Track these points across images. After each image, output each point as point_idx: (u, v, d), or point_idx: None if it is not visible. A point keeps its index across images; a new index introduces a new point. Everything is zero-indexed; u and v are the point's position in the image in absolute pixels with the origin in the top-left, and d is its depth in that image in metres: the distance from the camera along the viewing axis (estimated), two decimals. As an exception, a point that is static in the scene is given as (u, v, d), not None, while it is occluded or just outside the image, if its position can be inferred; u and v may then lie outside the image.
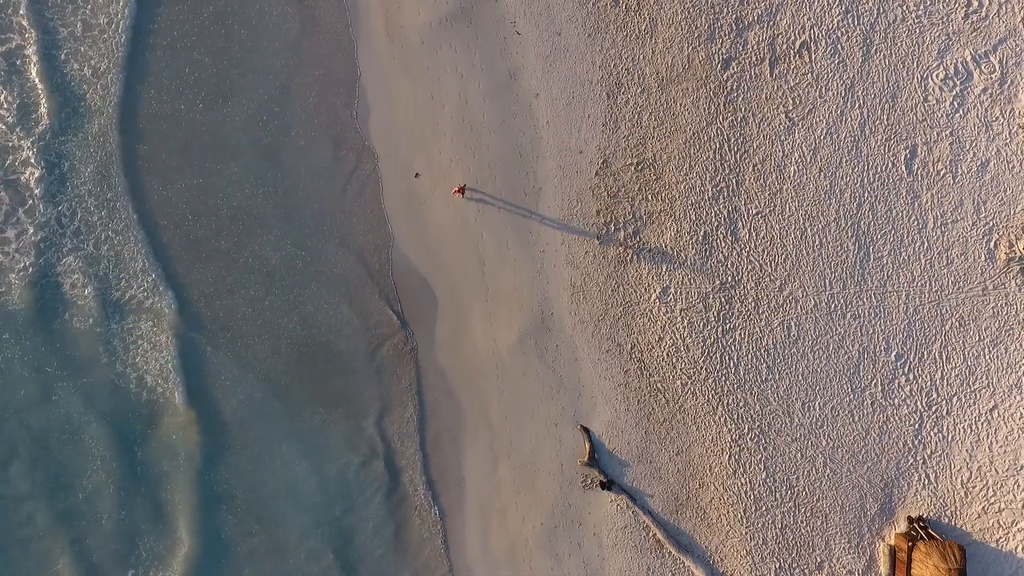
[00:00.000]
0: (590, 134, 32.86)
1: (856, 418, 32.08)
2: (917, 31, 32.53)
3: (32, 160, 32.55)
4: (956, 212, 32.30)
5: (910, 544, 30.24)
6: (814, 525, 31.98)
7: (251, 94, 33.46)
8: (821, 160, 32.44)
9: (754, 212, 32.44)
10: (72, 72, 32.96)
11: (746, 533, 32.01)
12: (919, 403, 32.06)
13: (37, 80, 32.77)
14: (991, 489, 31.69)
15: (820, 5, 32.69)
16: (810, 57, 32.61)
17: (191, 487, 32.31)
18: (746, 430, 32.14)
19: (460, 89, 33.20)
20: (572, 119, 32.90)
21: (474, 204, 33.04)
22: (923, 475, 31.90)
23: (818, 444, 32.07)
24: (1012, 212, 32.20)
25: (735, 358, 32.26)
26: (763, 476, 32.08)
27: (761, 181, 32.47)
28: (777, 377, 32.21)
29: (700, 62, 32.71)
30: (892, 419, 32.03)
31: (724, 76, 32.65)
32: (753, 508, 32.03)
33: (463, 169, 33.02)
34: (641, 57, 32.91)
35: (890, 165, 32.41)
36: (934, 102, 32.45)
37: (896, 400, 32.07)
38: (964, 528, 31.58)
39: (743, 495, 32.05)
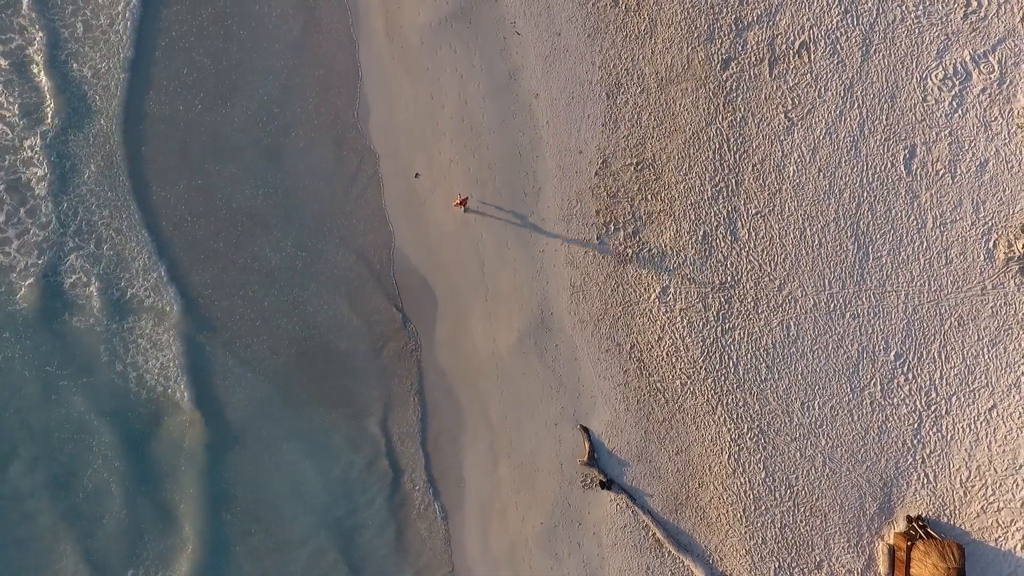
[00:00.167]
0: (590, 134, 32.91)
1: (855, 418, 32.11)
2: (916, 31, 32.57)
3: (34, 160, 32.66)
4: (955, 212, 32.33)
5: (909, 543, 30.27)
6: (813, 524, 32.02)
7: (251, 94, 33.56)
8: (820, 160, 32.48)
9: (753, 212, 32.49)
10: (73, 73, 33.07)
11: (745, 532, 32.04)
12: (918, 402, 32.09)
13: (38, 81, 32.90)
14: (990, 488, 31.72)
15: (819, 5, 32.74)
16: (809, 57, 32.65)
17: (193, 486, 32.36)
18: (745, 429, 32.19)
19: (460, 89, 33.26)
20: (572, 119, 32.95)
21: (474, 204, 33.12)
22: (922, 474, 31.94)
23: (817, 443, 32.12)
24: (1011, 212, 32.23)
25: (734, 358, 32.30)
26: (762, 475, 32.12)
27: (760, 181, 32.51)
28: (776, 377, 32.25)
29: (699, 62, 32.76)
30: (891, 418, 32.06)
31: (723, 76, 32.70)
32: (752, 507, 32.06)
33: (463, 169, 33.08)
34: (640, 57, 32.96)
35: (889, 165, 32.44)
36: (933, 102, 32.49)
37: (895, 399, 32.11)
38: (963, 527, 31.60)
39: (742, 494, 32.09)
